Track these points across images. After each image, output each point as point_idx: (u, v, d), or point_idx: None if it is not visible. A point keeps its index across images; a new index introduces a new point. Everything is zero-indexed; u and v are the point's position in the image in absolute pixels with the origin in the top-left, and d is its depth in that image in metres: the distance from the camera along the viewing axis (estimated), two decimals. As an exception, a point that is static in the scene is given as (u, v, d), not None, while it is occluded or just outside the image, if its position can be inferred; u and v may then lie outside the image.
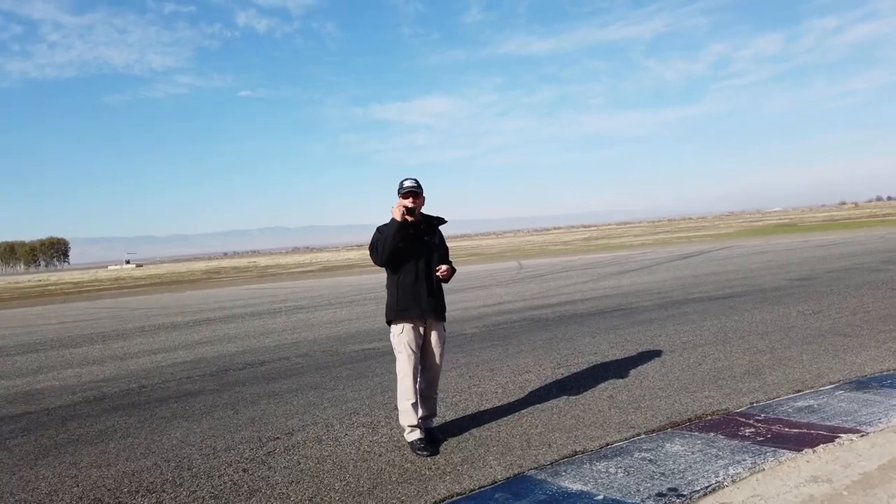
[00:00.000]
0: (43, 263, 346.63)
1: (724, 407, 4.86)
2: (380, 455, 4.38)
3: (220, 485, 4.03)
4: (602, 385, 5.77)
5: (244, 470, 4.26)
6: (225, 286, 34.01)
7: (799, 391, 5.16)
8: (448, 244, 4.75)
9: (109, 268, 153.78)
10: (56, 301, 31.23)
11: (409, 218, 4.39)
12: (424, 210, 4.62)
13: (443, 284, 4.62)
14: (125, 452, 4.85)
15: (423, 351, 4.55)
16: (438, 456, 4.27)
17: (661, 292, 13.04)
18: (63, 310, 23.68)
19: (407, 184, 4.42)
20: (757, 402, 4.95)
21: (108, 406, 6.47)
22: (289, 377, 7.22)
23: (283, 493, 3.82)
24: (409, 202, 4.39)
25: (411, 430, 4.43)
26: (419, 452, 4.28)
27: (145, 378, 7.83)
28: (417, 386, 4.53)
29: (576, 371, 6.43)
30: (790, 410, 4.60)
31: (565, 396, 5.49)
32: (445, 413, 5.24)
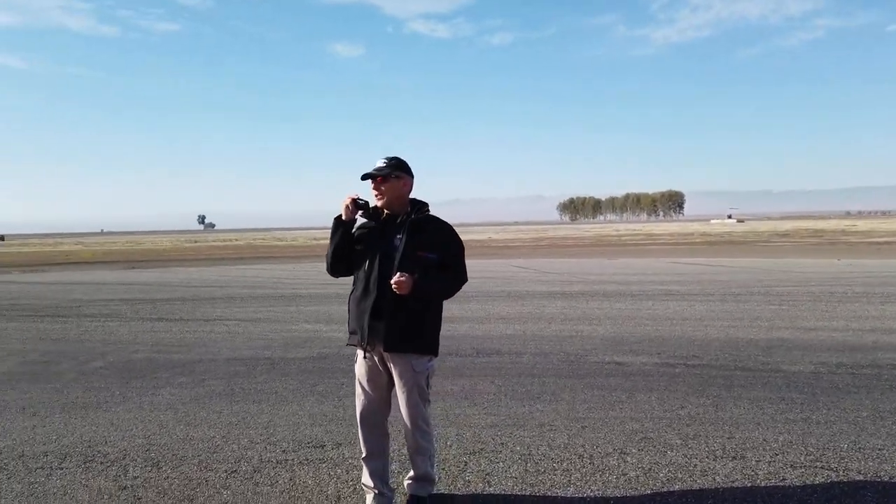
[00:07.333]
0: (661, 213, 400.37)
1: None
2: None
3: (121, 479, 3.66)
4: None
5: (169, 474, 3.65)
6: (714, 256, 27.74)
7: None
8: None
9: (712, 222, 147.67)
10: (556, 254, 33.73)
11: (351, 216, 3.15)
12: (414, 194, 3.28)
13: (418, 303, 3.09)
14: (159, 418, 4.88)
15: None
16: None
17: None
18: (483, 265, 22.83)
19: (379, 163, 3.16)
20: None
21: (301, 368, 6.55)
22: (471, 377, 6.09)
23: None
24: (355, 195, 3.16)
25: (367, 491, 3.24)
26: None
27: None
28: (376, 436, 3.26)
29: (820, 480, 3.44)
30: None
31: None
32: (503, 482, 3.55)
